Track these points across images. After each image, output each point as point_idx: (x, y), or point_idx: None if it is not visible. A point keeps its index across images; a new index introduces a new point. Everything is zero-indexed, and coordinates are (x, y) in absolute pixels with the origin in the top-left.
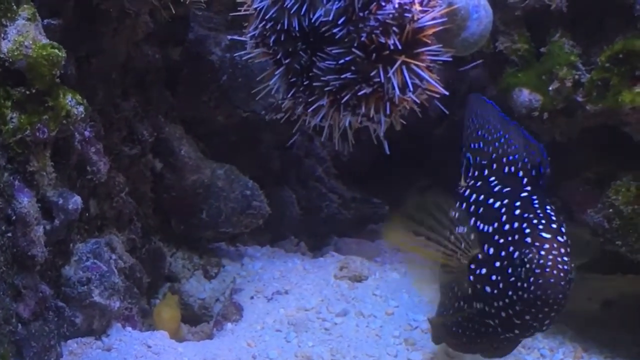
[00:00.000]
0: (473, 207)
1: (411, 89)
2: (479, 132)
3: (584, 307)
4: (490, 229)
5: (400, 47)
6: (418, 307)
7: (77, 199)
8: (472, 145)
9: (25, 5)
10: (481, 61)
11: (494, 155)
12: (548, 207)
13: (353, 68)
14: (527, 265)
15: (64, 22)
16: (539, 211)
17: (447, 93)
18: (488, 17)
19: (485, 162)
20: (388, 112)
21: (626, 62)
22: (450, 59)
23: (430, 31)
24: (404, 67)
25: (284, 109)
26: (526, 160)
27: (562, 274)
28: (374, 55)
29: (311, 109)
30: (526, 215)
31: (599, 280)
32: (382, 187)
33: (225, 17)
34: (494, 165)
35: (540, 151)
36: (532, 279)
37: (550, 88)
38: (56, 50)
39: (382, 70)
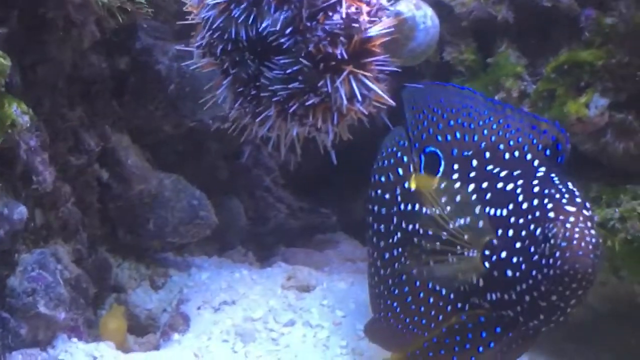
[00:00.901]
0: (475, 196)
1: (359, 99)
2: (451, 123)
3: None
4: (504, 211)
5: (347, 57)
6: (365, 317)
7: (22, 208)
8: (439, 139)
9: None
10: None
11: (484, 143)
12: (570, 183)
13: (300, 78)
14: (552, 241)
15: (8, 31)
16: (560, 186)
17: (394, 103)
18: (435, 27)
19: (470, 153)
20: (335, 122)
21: (571, 73)
22: (398, 69)
23: (378, 41)
24: (351, 77)
25: (231, 119)
26: (535, 141)
27: (590, 247)
28: (321, 65)
29: (258, 119)
30: (546, 191)
31: None
32: (330, 197)
33: (172, 26)
34: (487, 154)
35: (556, 128)
36: (558, 253)
37: (497, 98)
38: (1, 59)
39: (330, 80)
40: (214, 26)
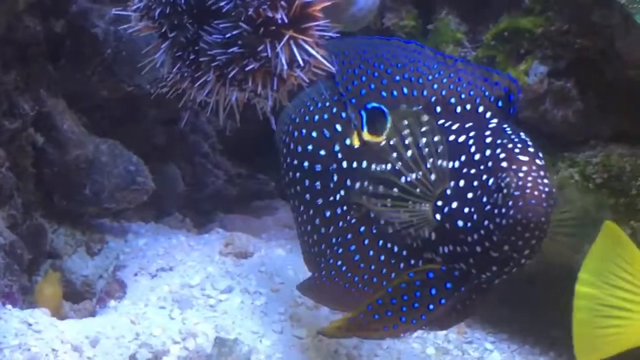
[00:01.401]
0: (427, 149)
1: (301, 64)
2: (396, 78)
3: None
4: (457, 163)
5: (288, 22)
6: None
7: None
8: (383, 94)
9: None
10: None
11: (434, 97)
12: (522, 133)
13: (240, 42)
14: (505, 190)
15: None
16: (513, 136)
17: (334, 69)
18: None
19: (419, 108)
20: (275, 87)
21: (511, 40)
22: (338, 35)
23: (319, 6)
24: (292, 43)
25: (169, 83)
26: (487, 93)
27: (543, 195)
28: (261, 29)
29: (197, 83)
30: (499, 141)
31: None
32: (268, 163)
33: None
34: (438, 108)
35: (507, 79)
36: (510, 202)
37: None
38: None
39: (270, 45)
40: None
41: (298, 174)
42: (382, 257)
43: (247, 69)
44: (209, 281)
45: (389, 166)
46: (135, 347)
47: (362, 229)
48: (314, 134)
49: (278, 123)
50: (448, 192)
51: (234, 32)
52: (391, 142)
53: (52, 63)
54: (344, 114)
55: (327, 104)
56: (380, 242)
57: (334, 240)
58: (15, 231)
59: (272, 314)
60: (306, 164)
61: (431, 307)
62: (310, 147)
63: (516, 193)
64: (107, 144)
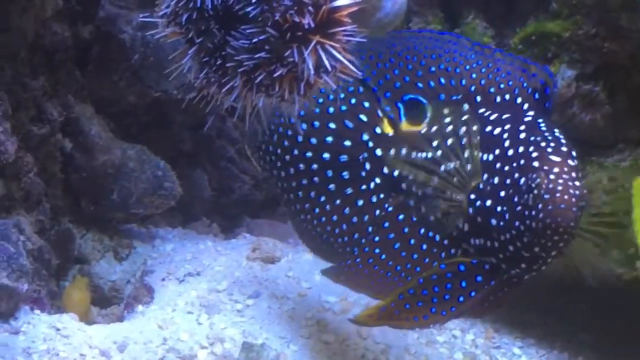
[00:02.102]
0: (465, 139)
1: (328, 69)
2: (432, 69)
3: None
4: (491, 156)
5: (315, 27)
6: (330, 289)
7: None
8: (419, 86)
9: None
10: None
11: (474, 87)
12: (556, 130)
13: (267, 48)
14: (536, 191)
15: None
16: (546, 134)
17: (360, 74)
18: None
19: (459, 97)
20: (302, 92)
21: (538, 44)
22: (365, 40)
23: (346, 11)
24: (319, 48)
25: (196, 89)
26: (525, 84)
27: (573, 199)
28: (288, 34)
29: (224, 89)
30: (532, 138)
31: None
32: None
33: None
34: (478, 98)
35: (544, 71)
36: (540, 205)
37: None
38: None
39: (297, 50)
40: None
41: (315, 166)
42: (425, 246)
43: (275, 75)
44: (236, 286)
45: (429, 154)
46: (163, 352)
47: (401, 217)
48: (333, 125)
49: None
50: (481, 186)
51: (261, 38)
52: (431, 131)
53: (79, 69)
54: (366, 104)
55: (342, 96)
56: (422, 231)
57: (370, 229)
58: (44, 236)
59: (299, 318)
60: (326, 155)
61: (461, 299)
62: (330, 138)
63: (546, 196)
64: (135, 150)
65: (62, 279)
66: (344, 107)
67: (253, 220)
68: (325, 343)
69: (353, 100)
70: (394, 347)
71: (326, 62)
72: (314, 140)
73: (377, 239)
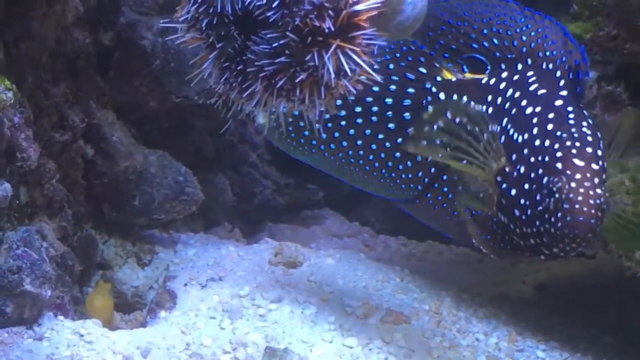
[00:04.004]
0: (508, 104)
1: (348, 73)
2: (484, 31)
3: (518, 290)
4: (520, 138)
5: (335, 31)
6: (353, 293)
7: (7, 186)
8: (474, 46)
9: None
10: None
11: (524, 48)
12: (584, 124)
13: (287, 52)
14: (557, 196)
15: None
16: (573, 130)
17: (380, 79)
18: (422, 1)
19: (513, 56)
20: (323, 96)
21: None
22: (385, 43)
23: (366, 15)
24: (339, 52)
25: (217, 94)
26: (564, 59)
27: (592, 210)
28: (308, 39)
29: (245, 94)
30: (559, 133)
31: (533, 263)
32: (316, 172)
33: (156, 0)
34: (529, 60)
35: (580, 53)
36: (560, 214)
37: None
38: None
39: (317, 54)
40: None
41: (374, 108)
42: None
43: (297, 80)
44: (258, 291)
45: (483, 107)
46: (186, 357)
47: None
48: (395, 77)
49: None
50: (507, 169)
51: (281, 42)
52: (491, 82)
53: (101, 75)
54: (422, 59)
55: (397, 54)
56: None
57: (432, 169)
58: (66, 243)
59: (321, 323)
60: (389, 100)
61: (501, 245)
62: (393, 87)
63: (566, 206)
64: (156, 155)
65: (85, 285)
66: (402, 63)
67: (275, 225)
68: (349, 347)
69: (410, 58)
70: (417, 350)
71: (346, 66)
72: (375, 89)
73: (444, 177)
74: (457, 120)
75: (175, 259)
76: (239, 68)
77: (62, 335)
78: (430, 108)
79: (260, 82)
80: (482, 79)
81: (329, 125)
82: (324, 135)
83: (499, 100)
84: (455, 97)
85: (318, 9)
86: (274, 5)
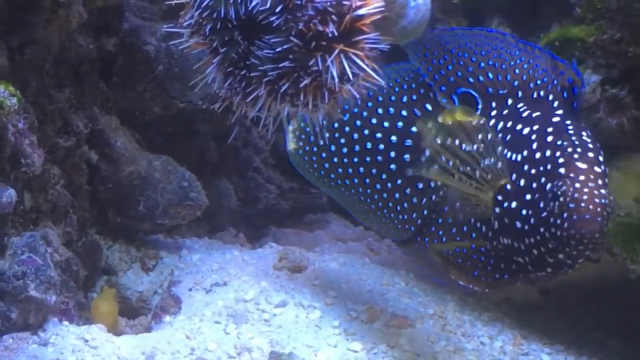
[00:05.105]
0: (501, 134)
1: (350, 78)
2: (482, 65)
3: (523, 294)
4: (519, 157)
5: (338, 36)
6: (357, 297)
7: (11, 192)
8: (470, 80)
9: None
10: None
11: (516, 82)
12: (584, 133)
13: (291, 57)
14: (561, 199)
15: None
16: (573, 138)
17: (383, 83)
18: (426, 5)
19: (505, 92)
20: (326, 101)
21: (563, 49)
22: (388, 48)
23: (369, 19)
24: (342, 56)
25: (221, 99)
26: (556, 82)
27: (599, 209)
28: (312, 44)
29: (249, 99)
30: (559, 142)
31: None
32: None
33: (160, 6)
34: (519, 93)
35: (573, 70)
36: (565, 214)
37: None
38: None
39: (321, 58)
40: (202, 5)
41: (381, 146)
42: (474, 235)
43: (301, 85)
44: (263, 295)
45: (475, 147)
46: None
47: (458, 204)
48: (404, 112)
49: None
50: (508, 187)
51: (285, 47)
52: (481, 122)
53: (104, 81)
54: (431, 95)
55: (414, 85)
56: (472, 220)
57: (425, 212)
58: (71, 248)
59: (326, 327)
60: (394, 138)
61: (497, 276)
62: (400, 123)
63: (571, 205)
64: (160, 160)
65: (90, 290)
66: (414, 97)
67: (279, 230)
68: (353, 351)
69: (422, 91)
70: (422, 355)
71: (348, 71)
72: (385, 124)
73: (440, 221)
74: (451, 163)
75: (180, 264)
76: (242, 73)
77: (67, 341)
78: (427, 152)
79: (264, 86)
80: (472, 121)
81: (345, 160)
82: (335, 161)
83: (490, 136)
84: (448, 141)
85: (321, 13)
86: (277, 10)
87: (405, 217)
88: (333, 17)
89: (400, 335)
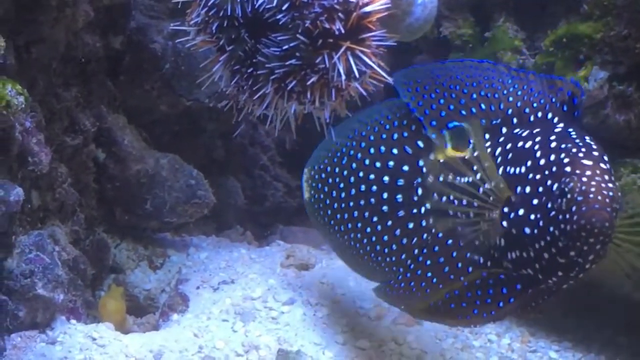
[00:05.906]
0: (500, 158)
1: (357, 75)
2: (473, 96)
3: None
4: (523, 168)
5: (345, 33)
6: (365, 295)
7: (19, 190)
8: (463, 113)
9: None
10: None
11: (510, 110)
12: (587, 137)
13: (298, 55)
14: (569, 195)
15: (2, 11)
16: (577, 140)
17: (391, 80)
18: (432, 2)
19: (498, 121)
20: (333, 98)
21: (570, 46)
22: (395, 45)
23: (375, 17)
24: (349, 53)
25: (227, 97)
26: (553, 99)
27: (607, 200)
28: (319, 41)
29: (256, 97)
30: (563, 145)
31: None
32: None
33: (167, 4)
34: (515, 120)
35: (571, 83)
36: (574, 208)
37: None
38: None
39: (327, 56)
40: (209, 3)
41: (374, 187)
42: (470, 269)
43: (308, 82)
44: (270, 293)
45: (470, 178)
46: None
47: (450, 242)
48: (395, 150)
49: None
50: (513, 198)
51: (292, 45)
52: (474, 155)
53: (111, 79)
54: (424, 131)
55: (405, 122)
56: (468, 254)
57: (416, 251)
58: (79, 246)
59: (334, 325)
60: (386, 178)
61: (501, 304)
62: (391, 162)
63: (579, 198)
64: (167, 159)
65: (98, 289)
66: (405, 134)
67: (286, 228)
68: (361, 349)
69: (413, 127)
70: (429, 352)
71: (354, 69)
72: (377, 164)
73: (428, 262)
74: (444, 199)
75: (188, 262)
76: (249, 71)
77: (74, 339)
78: (419, 190)
79: (271, 84)
80: (464, 156)
81: (343, 205)
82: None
83: (487, 164)
84: (441, 177)
85: (328, 11)
86: (284, 8)
87: (394, 259)
88: (340, 14)
89: (407, 333)
